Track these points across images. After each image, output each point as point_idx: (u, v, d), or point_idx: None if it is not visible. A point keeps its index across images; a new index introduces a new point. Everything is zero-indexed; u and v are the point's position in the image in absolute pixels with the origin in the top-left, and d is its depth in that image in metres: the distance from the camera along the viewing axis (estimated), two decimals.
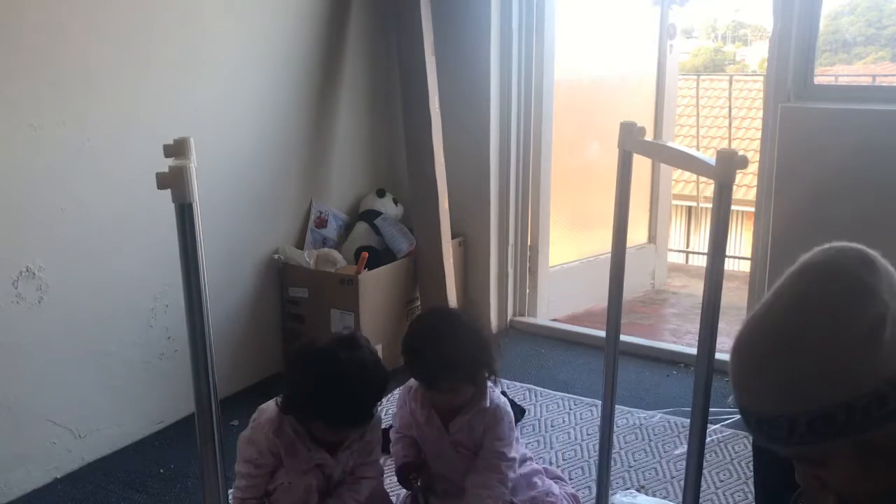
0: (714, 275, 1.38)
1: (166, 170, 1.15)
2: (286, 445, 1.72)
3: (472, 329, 1.76)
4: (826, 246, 1.00)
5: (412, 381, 1.87)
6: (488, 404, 1.80)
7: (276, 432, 1.71)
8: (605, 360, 1.85)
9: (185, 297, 1.20)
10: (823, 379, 0.92)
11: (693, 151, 1.55)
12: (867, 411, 0.91)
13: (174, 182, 1.14)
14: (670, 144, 1.79)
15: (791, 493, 1.17)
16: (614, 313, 1.82)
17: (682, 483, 1.84)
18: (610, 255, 1.81)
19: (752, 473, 2.15)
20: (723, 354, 3.30)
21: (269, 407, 1.76)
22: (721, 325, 1.43)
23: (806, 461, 1.01)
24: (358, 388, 1.63)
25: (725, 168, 1.31)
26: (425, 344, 1.73)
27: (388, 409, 2.61)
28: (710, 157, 1.37)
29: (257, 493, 1.74)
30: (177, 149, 1.29)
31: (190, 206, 1.16)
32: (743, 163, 1.30)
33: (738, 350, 1.02)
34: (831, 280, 0.96)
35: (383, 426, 1.99)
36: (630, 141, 1.71)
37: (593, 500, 2.01)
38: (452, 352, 1.69)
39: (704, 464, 1.60)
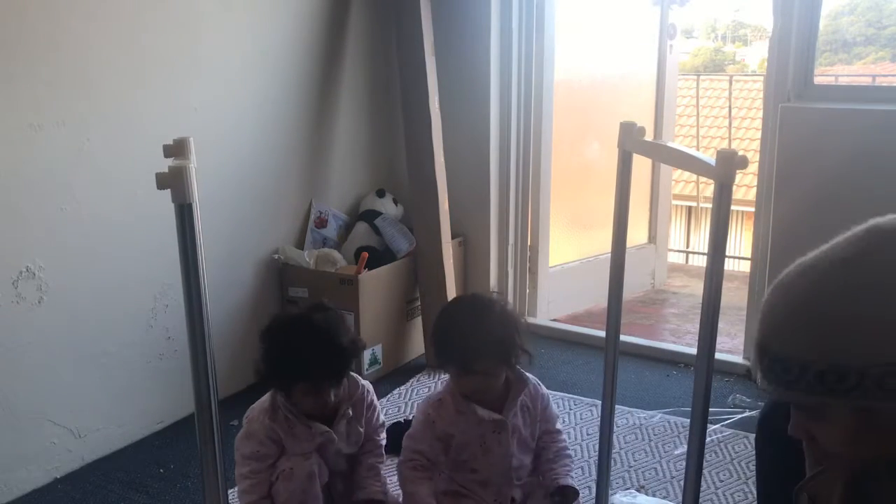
0: (714, 275, 1.38)
1: (166, 170, 1.15)
2: (284, 428, 1.73)
3: (502, 310, 1.73)
4: None
5: (435, 395, 1.83)
6: (532, 385, 1.80)
7: (271, 417, 1.73)
8: (604, 360, 1.85)
9: (184, 297, 1.20)
10: (852, 337, 0.92)
11: (693, 151, 1.55)
12: (881, 381, 0.90)
13: (174, 182, 1.14)
14: (670, 144, 1.79)
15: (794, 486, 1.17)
16: (614, 313, 1.82)
17: (682, 483, 1.84)
18: (610, 255, 1.81)
19: (752, 473, 2.15)
20: (723, 354, 3.28)
21: (259, 401, 1.79)
22: (721, 325, 1.43)
23: (805, 410, 1.02)
24: (328, 331, 1.68)
25: (725, 168, 1.31)
26: (456, 326, 1.70)
27: (387, 408, 2.61)
28: (709, 157, 1.37)
29: (263, 491, 1.74)
30: (176, 149, 1.29)
31: (189, 207, 1.15)
32: (743, 163, 1.30)
33: (780, 285, 1.01)
34: None
35: (392, 422, 1.98)
36: (630, 141, 1.71)
37: (593, 500, 2.01)
38: (485, 332, 1.66)
39: (704, 464, 1.60)
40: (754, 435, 1.50)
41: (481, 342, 1.66)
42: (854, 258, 0.96)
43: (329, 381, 1.71)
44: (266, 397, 1.78)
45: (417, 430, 1.80)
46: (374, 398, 1.89)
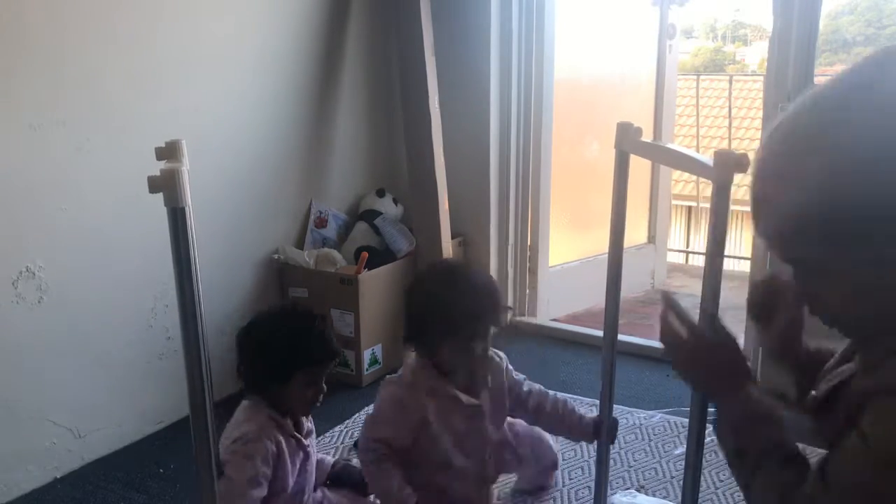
0: (713, 276, 1.37)
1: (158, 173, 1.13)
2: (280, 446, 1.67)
3: (482, 276, 1.70)
4: None
5: (398, 376, 1.71)
6: (497, 362, 1.77)
7: (267, 435, 1.65)
8: (602, 361, 1.85)
9: (178, 301, 1.20)
10: (870, 173, 0.81)
11: (690, 152, 1.55)
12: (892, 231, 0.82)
13: (166, 185, 1.13)
14: (667, 145, 1.78)
15: None
16: (612, 313, 1.81)
17: (681, 483, 1.84)
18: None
19: None
20: None
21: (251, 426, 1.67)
22: None
23: (805, 266, 0.93)
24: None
25: (723, 169, 1.31)
26: (454, 290, 1.60)
27: None
28: (708, 157, 1.37)
29: None
30: (168, 151, 1.26)
31: (182, 210, 1.14)
32: (742, 164, 1.28)
33: (781, 124, 0.90)
34: None
35: None
36: (626, 141, 1.71)
37: (592, 500, 2.01)
38: (482, 290, 1.60)
39: (704, 464, 1.60)
40: None
41: (482, 314, 1.60)
42: (874, 81, 0.84)
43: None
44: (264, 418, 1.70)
45: (383, 414, 1.66)
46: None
